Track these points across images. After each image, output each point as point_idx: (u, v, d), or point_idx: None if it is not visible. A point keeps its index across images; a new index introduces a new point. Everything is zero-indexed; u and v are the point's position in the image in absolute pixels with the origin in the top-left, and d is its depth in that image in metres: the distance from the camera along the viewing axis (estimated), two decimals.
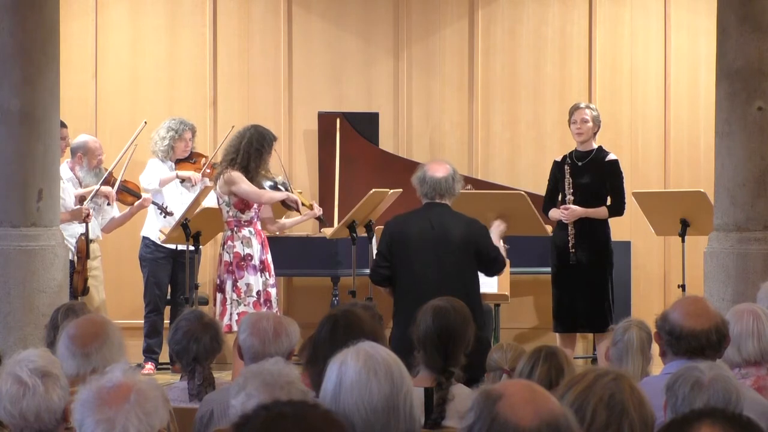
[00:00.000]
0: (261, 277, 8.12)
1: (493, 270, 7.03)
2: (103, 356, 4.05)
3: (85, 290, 8.67)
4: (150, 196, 9.24)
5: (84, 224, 8.63)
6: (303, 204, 8.70)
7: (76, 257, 8.60)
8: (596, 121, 8.51)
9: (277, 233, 9.59)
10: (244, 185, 8.08)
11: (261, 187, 8.27)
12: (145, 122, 9.21)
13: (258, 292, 8.08)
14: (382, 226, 7.14)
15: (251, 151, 8.13)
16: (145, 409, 2.80)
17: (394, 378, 2.95)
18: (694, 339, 4.16)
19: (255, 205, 8.20)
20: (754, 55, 7.09)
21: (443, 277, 6.74)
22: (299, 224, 9.20)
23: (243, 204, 8.15)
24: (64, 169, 8.70)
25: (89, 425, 2.80)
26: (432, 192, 6.90)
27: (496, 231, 7.71)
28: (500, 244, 7.54)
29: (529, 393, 2.41)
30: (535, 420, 2.36)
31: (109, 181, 8.93)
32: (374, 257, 7.01)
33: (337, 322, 4.11)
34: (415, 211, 7.05)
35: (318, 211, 8.75)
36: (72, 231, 8.68)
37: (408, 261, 6.83)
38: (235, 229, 8.13)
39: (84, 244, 8.61)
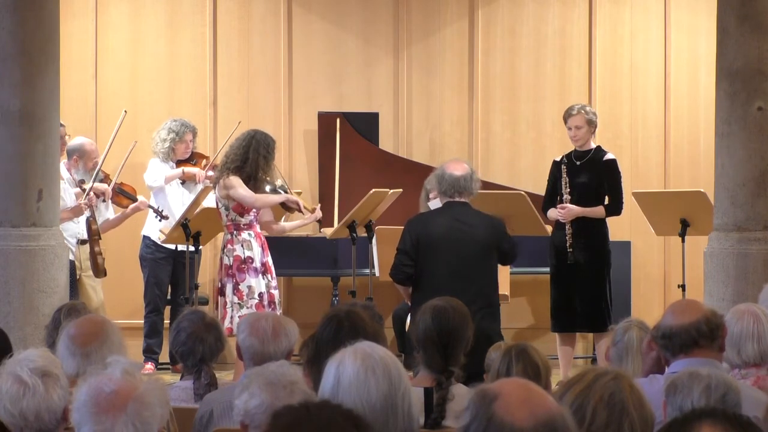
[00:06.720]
0: (263, 279, 8.08)
1: (508, 260, 7.21)
2: (102, 356, 4.04)
3: (104, 271, 8.67)
4: (146, 199, 9.21)
5: (90, 209, 8.62)
6: (305, 207, 8.64)
7: (90, 240, 8.59)
8: (591, 124, 8.50)
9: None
10: (241, 190, 8.01)
11: (263, 191, 8.23)
12: (125, 111, 9.07)
13: (261, 294, 8.03)
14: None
15: (259, 159, 8.05)
16: (142, 417, 2.81)
17: (392, 377, 2.96)
18: (684, 333, 4.19)
19: (253, 209, 8.15)
20: (754, 55, 7.09)
21: (467, 276, 6.81)
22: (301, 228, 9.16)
23: (241, 207, 8.08)
24: (62, 169, 8.69)
25: None
26: (451, 190, 6.99)
27: None
28: None
29: (526, 393, 2.40)
30: (532, 420, 2.35)
31: (104, 181, 8.93)
32: (396, 255, 7.00)
33: (342, 322, 4.11)
34: (437, 210, 7.15)
35: (319, 214, 8.63)
36: (72, 231, 8.68)
37: (432, 259, 6.88)
38: (235, 232, 8.08)
39: (94, 225, 8.59)
